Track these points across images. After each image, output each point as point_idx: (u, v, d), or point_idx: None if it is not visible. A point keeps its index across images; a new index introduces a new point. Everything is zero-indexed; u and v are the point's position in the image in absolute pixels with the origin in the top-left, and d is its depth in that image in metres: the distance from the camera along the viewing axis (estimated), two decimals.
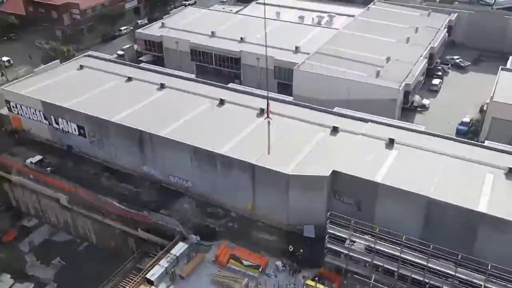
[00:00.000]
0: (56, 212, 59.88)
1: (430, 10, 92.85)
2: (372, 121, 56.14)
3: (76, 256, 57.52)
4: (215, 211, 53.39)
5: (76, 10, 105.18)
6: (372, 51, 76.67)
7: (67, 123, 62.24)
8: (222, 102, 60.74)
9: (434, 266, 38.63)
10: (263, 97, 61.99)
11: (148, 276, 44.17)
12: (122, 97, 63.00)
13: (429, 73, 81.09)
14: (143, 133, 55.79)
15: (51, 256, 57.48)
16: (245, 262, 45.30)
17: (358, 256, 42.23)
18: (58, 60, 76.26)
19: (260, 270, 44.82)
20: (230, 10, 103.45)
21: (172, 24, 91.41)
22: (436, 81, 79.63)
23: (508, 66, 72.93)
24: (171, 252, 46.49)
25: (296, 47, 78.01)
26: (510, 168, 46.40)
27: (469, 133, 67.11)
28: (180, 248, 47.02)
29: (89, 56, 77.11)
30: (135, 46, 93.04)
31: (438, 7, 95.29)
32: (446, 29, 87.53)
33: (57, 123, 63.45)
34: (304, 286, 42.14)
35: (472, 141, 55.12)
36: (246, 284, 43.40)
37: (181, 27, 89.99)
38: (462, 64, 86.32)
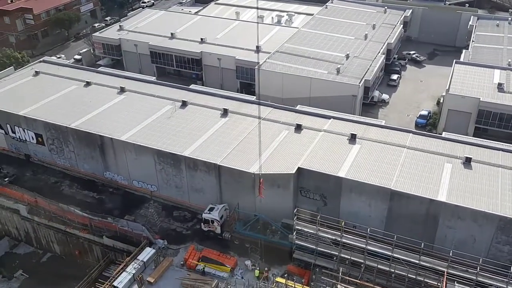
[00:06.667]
0: (16, 223, 57.75)
1: (386, 7, 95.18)
2: (334, 118, 56.97)
3: (39, 268, 55.66)
4: (182, 214, 53.00)
5: (30, 15, 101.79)
6: (332, 48, 77.91)
7: (24, 131, 60.21)
8: (184, 103, 60.23)
9: (399, 256, 39.64)
10: (225, 97, 62.30)
11: (115, 283, 43.25)
12: (81, 103, 61.43)
13: (388, 68, 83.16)
14: (104, 138, 54.65)
15: (13, 270, 55.42)
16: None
17: (326, 250, 42.79)
18: (12, 67, 73.65)
19: (230, 270, 44.75)
20: (189, 11, 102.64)
21: (130, 26, 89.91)
22: (394, 76, 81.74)
23: (461, 59, 75.61)
24: (138, 258, 45.69)
25: (257, 47, 78.25)
26: (467, 157, 48.08)
27: (428, 125, 69.28)
28: (147, 253, 46.28)
29: (44, 61, 74.82)
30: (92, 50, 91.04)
31: (394, 4, 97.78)
32: (402, 25, 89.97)
33: (14, 132, 61.28)
34: (274, 284, 42.32)
35: (430, 133, 56.90)
36: (216, 286, 43.21)
37: (140, 29, 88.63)
38: (418, 58, 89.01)
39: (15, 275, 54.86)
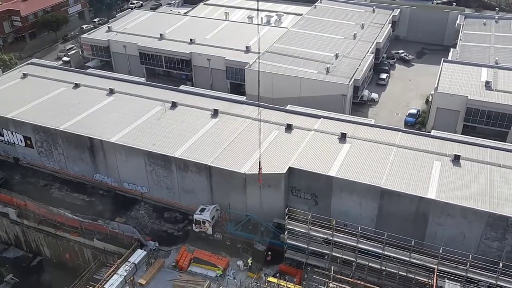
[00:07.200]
0: (6, 227, 57.19)
1: (374, 7, 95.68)
2: (324, 117, 57.14)
3: (29, 272, 55.19)
4: (173, 215, 52.85)
5: (17, 17, 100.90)
6: (321, 48, 78.18)
7: (13, 134, 59.66)
8: (174, 104, 60.03)
9: (390, 254, 39.91)
10: (215, 98, 62.24)
11: (106, 286, 43.05)
12: (70, 105, 60.96)
13: (377, 67, 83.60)
14: (93, 140, 54.33)
15: (3, 274, 54.86)
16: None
17: (317, 249, 42.92)
18: (0, 69, 72.95)
19: (222, 271, 44.68)
20: (178, 12, 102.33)
21: (119, 27, 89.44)
22: (383, 75, 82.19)
23: (449, 58, 76.23)
24: (129, 260, 45.53)
25: (247, 47, 78.22)
26: (455, 155, 48.50)
27: (417, 123, 69.81)
28: (138, 255, 46.12)
29: (32, 64, 74.15)
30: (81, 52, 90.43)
31: (382, 4, 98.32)
32: (390, 25, 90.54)
33: (2, 135, 60.69)
34: (266, 283, 42.35)
35: (419, 132, 57.30)
36: (208, 287, 43.14)
37: (129, 30, 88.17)
38: (407, 57, 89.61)
39: (5, 279, 54.32)
